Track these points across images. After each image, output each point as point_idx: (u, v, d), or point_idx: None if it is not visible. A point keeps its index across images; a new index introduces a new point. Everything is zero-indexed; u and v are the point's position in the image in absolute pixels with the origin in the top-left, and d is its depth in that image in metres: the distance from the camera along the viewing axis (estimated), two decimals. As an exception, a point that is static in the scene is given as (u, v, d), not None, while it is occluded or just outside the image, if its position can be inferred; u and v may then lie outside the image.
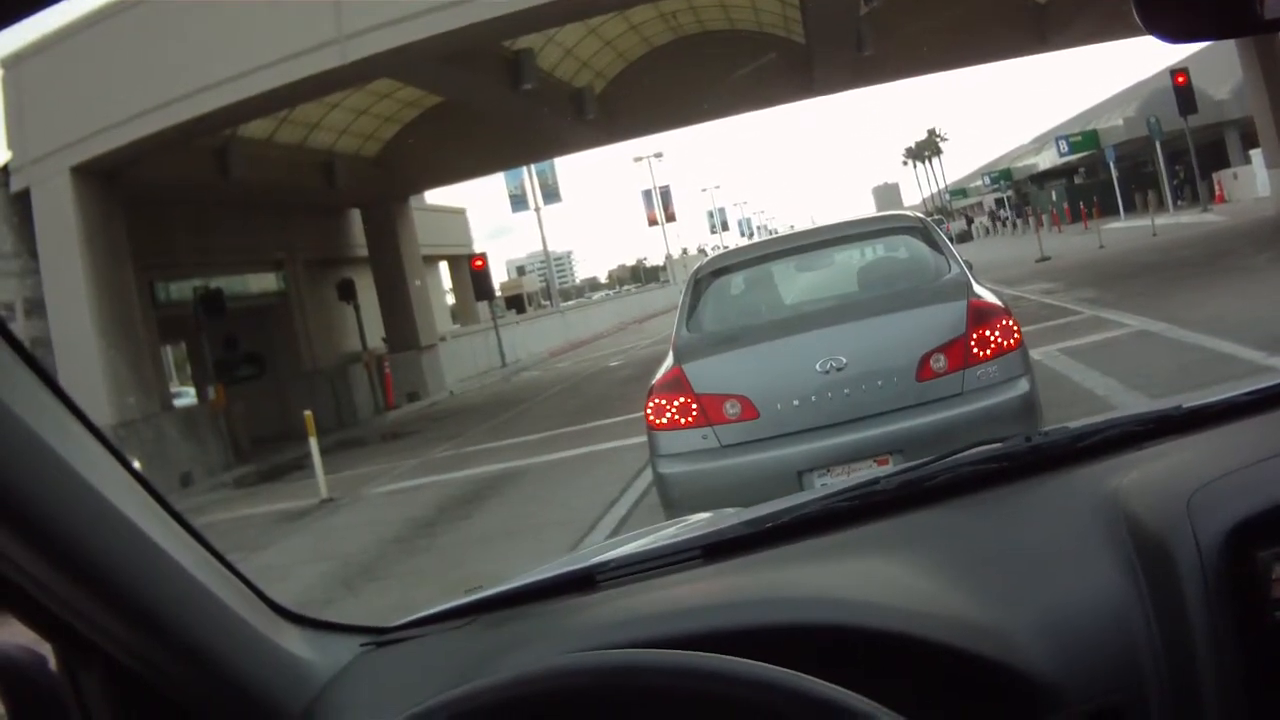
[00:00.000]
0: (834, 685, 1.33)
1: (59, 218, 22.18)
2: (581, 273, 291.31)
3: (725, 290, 8.77)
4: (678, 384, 7.39)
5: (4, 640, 1.71)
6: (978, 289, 7.62)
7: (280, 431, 28.05)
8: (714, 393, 7.27)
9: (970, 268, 8.20)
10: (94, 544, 1.52)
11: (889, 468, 2.43)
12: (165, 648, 1.65)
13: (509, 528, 12.12)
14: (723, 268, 9.00)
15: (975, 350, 7.09)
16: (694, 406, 7.29)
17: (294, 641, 1.91)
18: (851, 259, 9.58)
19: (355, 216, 37.54)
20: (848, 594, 1.80)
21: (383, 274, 36.53)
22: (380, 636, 2.10)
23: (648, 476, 11.21)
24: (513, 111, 31.76)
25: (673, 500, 7.39)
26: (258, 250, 33.39)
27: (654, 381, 7.65)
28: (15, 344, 1.46)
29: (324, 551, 13.08)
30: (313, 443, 17.13)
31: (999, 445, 2.16)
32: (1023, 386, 7.10)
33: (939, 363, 7.06)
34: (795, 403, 7.15)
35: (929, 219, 9.26)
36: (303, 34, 20.25)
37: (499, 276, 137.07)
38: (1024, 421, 6.82)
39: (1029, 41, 33.76)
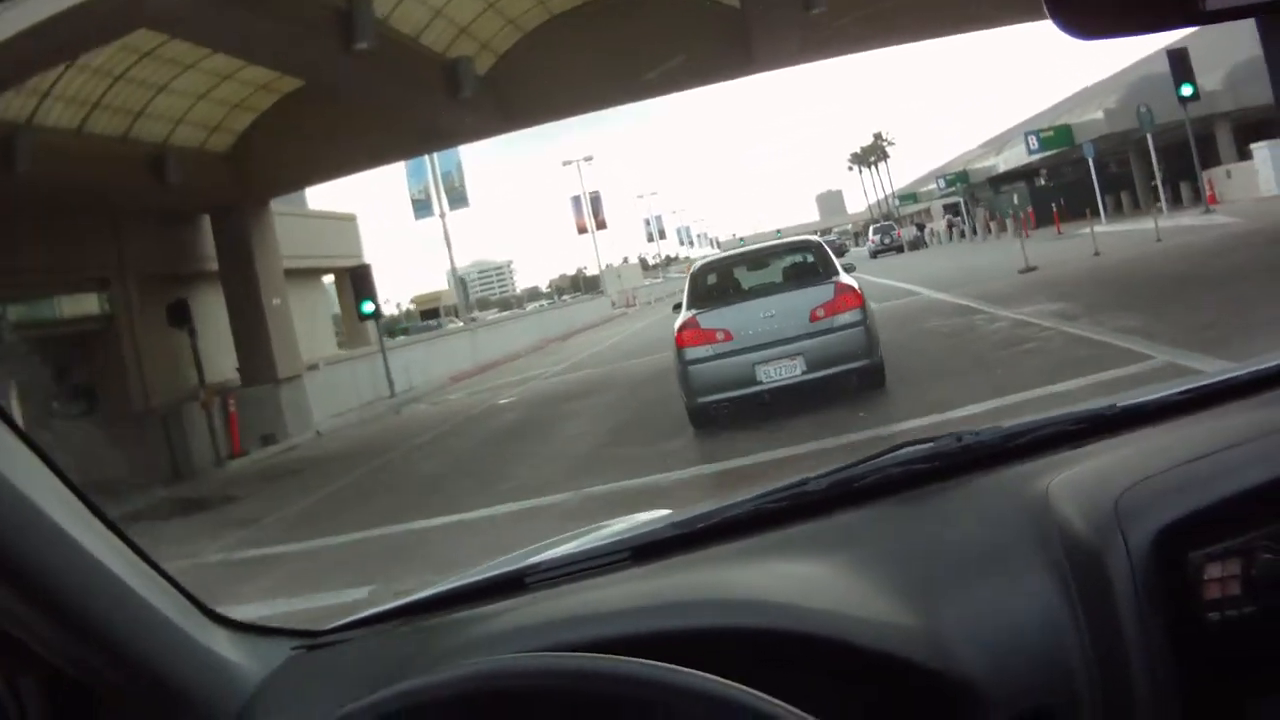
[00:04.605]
0: (752, 690, 1.35)
1: None
2: (522, 282, 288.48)
3: (709, 278, 16.44)
4: (694, 323, 14.52)
5: None
6: (842, 277, 14.80)
7: (117, 479, 22.26)
8: (711, 327, 14.35)
9: (852, 270, 15.59)
10: (23, 549, 1.53)
11: (818, 471, 2.18)
12: (98, 652, 1.68)
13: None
14: (707, 267, 17.10)
15: (837, 306, 14.19)
16: (702, 333, 14.33)
17: (225, 645, 1.93)
18: (778, 262, 17.07)
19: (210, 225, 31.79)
20: (776, 596, 1.80)
21: (234, 292, 30.76)
22: (312, 640, 2.13)
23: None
24: (384, 96, 26.47)
25: (694, 381, 14.41)
26: (74, 266, 27.39)
27: (678, 323, 14.76)
28: None
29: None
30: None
31: (929, 444, 2.15)
32: (860, 323, 14.16)
33: (820, 312, 14.15)
34: (751, 332, 14.14)
35: (821, 239, 18.13)
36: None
37: (437, 286, 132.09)
38: (861, 341, 14.13)
39: (1017, 8, 27.50)
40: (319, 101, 27.87)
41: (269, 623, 2.10)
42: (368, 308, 35.69)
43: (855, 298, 14.17)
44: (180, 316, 27.36)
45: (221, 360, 30.83)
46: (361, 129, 28.67)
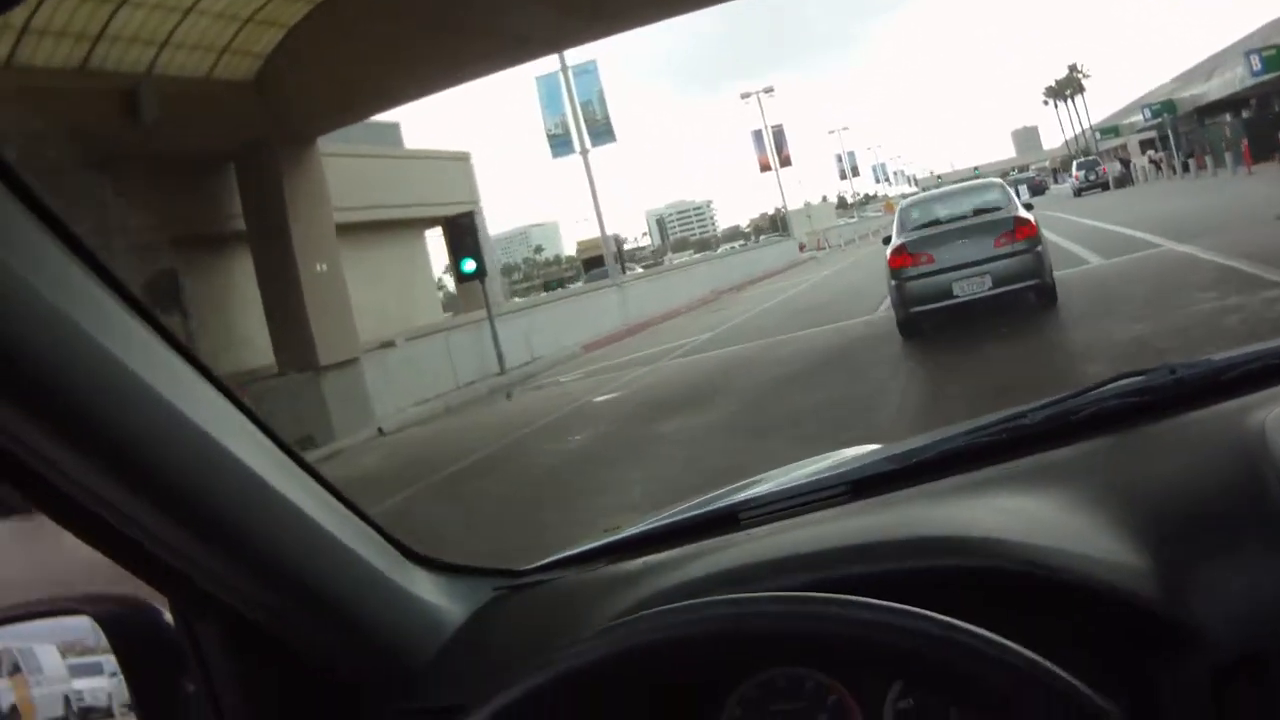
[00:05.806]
0: (985, 632, 1.29)
1: None
2: (723, 221, 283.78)
3: (914, 211, 19.58)
4: (904, 248, 17.55)
5: (115, 594, 1.73)
6: (1020, 212, 17.72)
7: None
8: (918, 252, 17.31)
9: (1031, 208, 18.39)
10: (212, 491, 1.47)
11: (1030, 405, 2.04)
12: (289, 596, 1.62)
13: None
14: (913, 203, 20.81)
15: (1016, 235, 16.94)
16: (911, 256, 17.34)
17: (424, 586, 1.87)
18: (969, 198, 19.48)
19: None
20: (1008, 534, 1.67)
21: (263, 257, 24.54)
22: (514, 579, 2.07)
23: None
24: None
25: (905, 294, 17.39)
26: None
27: (890, 249, 18.05)
28: (134, 302, 1.37)
29: None
30: None
31: (1142, 377, 2.02)
32: (1033, 249, 16.99)
33: (1002, 240, 16.87)
34: (948, 256, 16.98)
35: (1004, 180, 23.55)
36: None
37: (637, 228, 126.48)
38: (1035, 263, 16.95)
39: None
40: (361, 8, 21.69)
41: (471, 563, 2.00)
42: (468, 266, 29.89)
43: (1030, 229, 17.33)
44: (167, 292, 20.94)
45: (237, 345, 25.11)
46: (422, 43, 22.65)
